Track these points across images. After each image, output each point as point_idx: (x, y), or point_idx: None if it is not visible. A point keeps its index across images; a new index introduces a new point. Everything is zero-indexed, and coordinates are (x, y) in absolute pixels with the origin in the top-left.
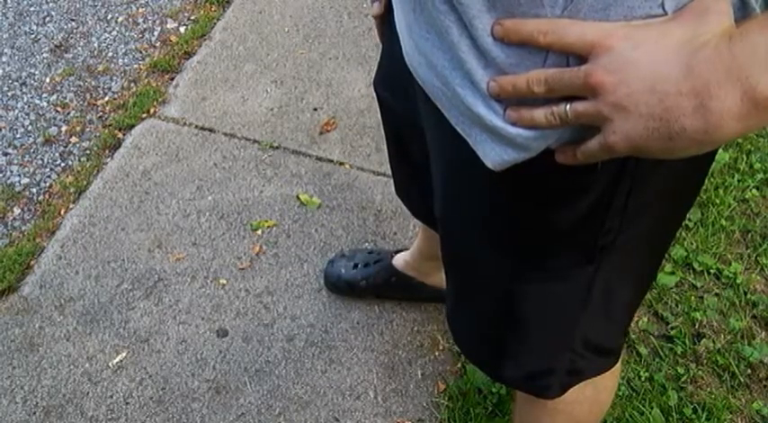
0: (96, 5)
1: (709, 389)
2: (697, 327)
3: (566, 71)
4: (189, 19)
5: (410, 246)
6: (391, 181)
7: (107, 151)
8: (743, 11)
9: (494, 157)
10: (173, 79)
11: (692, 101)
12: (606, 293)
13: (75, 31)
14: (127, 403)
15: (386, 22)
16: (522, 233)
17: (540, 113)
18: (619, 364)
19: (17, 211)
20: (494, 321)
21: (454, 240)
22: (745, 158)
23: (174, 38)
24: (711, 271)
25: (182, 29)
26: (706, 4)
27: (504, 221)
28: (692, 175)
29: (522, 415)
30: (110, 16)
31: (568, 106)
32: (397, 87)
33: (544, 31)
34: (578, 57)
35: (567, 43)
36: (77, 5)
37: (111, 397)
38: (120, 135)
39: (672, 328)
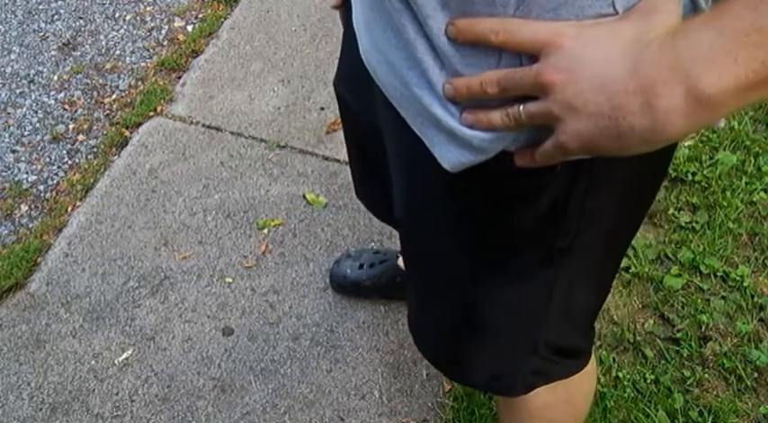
0: (104, 4)
1: (715, 392)
2: (703, 329)
3: (518, 71)
4: (196, 17)
5: None
6: None
7: (114, 149)
8: (694, 11)
9: (450, 158)
10: (180, 78)
11: (639, 99)
12: (567, 295)
13: (83, 29)
14: (132, 400)
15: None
16: (481, 234)
17: (495, 115)
18: (591, 367)
19: (24, 208)
20: (455, 324)
21: (414, 242)
22: (752, 161)
23: (181, 36)
24: (718, 274)
25: (189, 27)
26: (654, 3)
27: (463, 223)
28: (649, 177)
29: (501, 419)
30: (117, 14)
31: (522, 107)
32: (355, 86)
33: (496, 31)
34: (531, 56)
35: (519, 42)
36: (85, 4)
37: (117, 394)
38: (127, 133)
39: (678, 331)
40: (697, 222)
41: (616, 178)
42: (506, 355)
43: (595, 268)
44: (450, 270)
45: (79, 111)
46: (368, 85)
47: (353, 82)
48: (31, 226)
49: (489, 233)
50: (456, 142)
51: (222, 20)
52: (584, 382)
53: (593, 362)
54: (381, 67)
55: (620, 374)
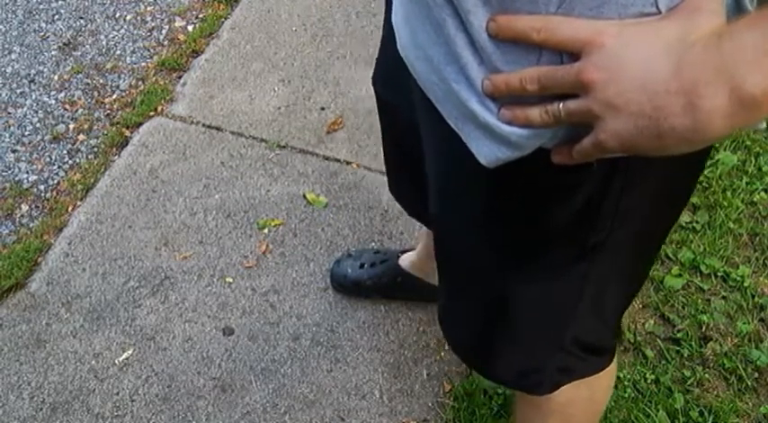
0: (105, 3)
1: (715, 392)
2: (704, 329)
3: (558, 69)
4: (197, 17)
5: (416, 246)
6: None
7: (114, 149)
8: (737, 11)
9: (487, 154)
10: (180, 77)
11: (681, 99)
12: (597, 293)
13: (83, 28)
14: (132, 400)
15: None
16: (515, 230)
17: (534, 112)
18: (614, 364)
19: (25, 207)
20: (484, 320)
21: (447, 238)
22: (753, 161)
23: (181, 36)
24: (719, 274)
25: (189, 27)
26: (698, 3)
27: (497, 219)
28: (684, 177)
29: (519, 415)
30: (118, 14)
31: (561, 105)
32: (394, 83)
33: (537, 29)
34: (571, 55)
35: (560, 40)
36: (86, 3)
37: (117, 394)
38: (127, 133)
39: (678, 331)
40: (697, 222)
41: (652, 177)
42: (534, 352)
43: (627, 266)
44: (482, 265)
45: (80, 110)
46: (406, 80)
47: (391, 78)
48: (31, 226)
49: (523, 229)
50: (493, 138)
51: (223, 20)
52: (606, 378)
53: (615, 359)
54: (420, 62)
55: (621, 374)
